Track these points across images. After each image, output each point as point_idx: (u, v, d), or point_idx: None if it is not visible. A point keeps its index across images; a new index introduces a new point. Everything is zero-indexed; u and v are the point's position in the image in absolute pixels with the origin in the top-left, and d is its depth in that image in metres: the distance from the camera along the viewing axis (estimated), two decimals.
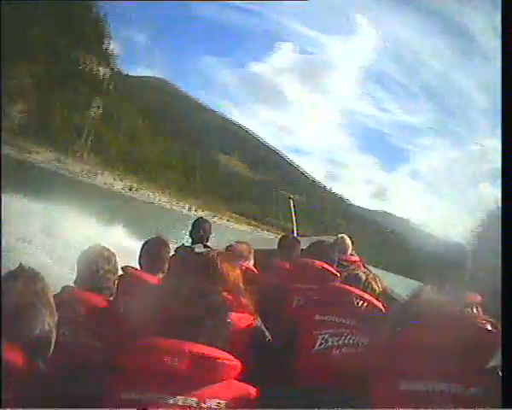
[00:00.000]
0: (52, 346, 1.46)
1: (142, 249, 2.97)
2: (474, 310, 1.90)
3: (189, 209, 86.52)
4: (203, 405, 1.28)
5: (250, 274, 3.01)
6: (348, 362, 1.93)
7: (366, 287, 2.17)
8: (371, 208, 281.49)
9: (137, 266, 2.94)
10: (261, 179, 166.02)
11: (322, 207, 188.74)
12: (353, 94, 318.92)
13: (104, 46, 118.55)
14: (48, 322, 1.44)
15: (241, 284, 2.21)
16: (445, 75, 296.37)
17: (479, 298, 1.40)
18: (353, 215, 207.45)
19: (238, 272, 2.25)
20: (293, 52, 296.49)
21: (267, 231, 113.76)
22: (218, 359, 1.30)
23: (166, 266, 2.92)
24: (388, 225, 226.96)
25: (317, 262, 2.93)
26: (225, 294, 1.99)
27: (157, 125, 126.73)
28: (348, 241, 4.05)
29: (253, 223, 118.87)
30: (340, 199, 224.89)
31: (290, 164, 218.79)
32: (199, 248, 3.59)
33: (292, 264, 3.20)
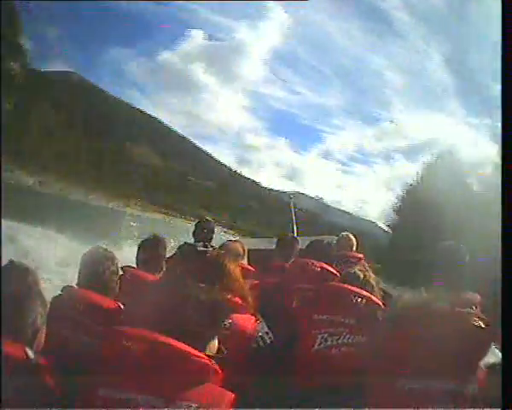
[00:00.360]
0: (43, 335, 1.53)
1: (139, 249, 2.93)
2: (473, 309, 2.01)
3: (99, 201, 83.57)
4: (172, 407, 1.21)
5: (246, 272, 2.88)
6: (347, 361, 1.93)
7: (364, 284, 2.14)
8: (283, 189, 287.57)
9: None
10: (172, 168, 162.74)
11: (234, 191, 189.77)
12: (263, 78, 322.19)
13: (15, 42, 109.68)
14: (40, 312, 1.49)
15: (245, 285, 2.21)
16: (358, 56, 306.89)
17: (478, 298, 2.12)
18: (265, 197, 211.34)
19: (240, 271, 2.24)
20: (202, 39, 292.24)
21: (181, 218, 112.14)
22: (196, 359, 1.22)
23: (164, 264, 2.91)
24: (301, 204, 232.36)
25: (317, 262, 2.85)
26: (230, 295, 1.99)
27: (67, 120, 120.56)
28: (352, 238, 4.01)
29: (166, 211, 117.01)
30: (253, 182, 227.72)
31: (201, 151, 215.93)
32: (201, 247, 3.54)
33: (291, 264, 3.15)
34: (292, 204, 6.38)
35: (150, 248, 3.14)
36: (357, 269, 2.41)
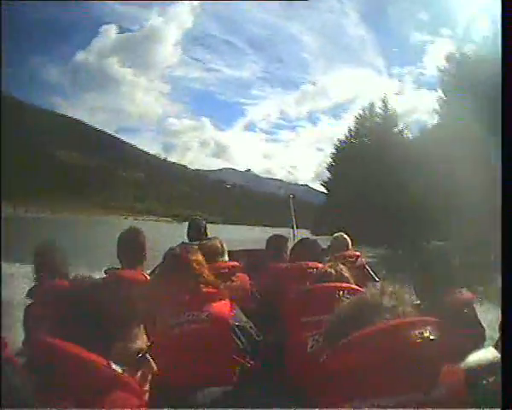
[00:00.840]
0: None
1: (118, 243, 3.11)
2: (466, 310, 2.25)
3: (27, 212, 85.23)
4: None
5: (233, 267, 3.19)
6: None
7: (338, 279, 2.27)
8: (211, 168, 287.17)
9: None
10: (98, 165, 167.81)
11: (162, 178, 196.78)
12: (178, 61, 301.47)
13: None
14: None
15: (209, 273, 2.37)
16: (271, 24, 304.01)
17: (470, 295, 2.38)
18: (193, 179, 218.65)
19: (204, 263, 2.41)
20: (115, 33, 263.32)
21: (118, 215, 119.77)
22: (95, 369, 1.13)
23: (145, 254, 3.17)
24: (230, 180, 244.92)
25: (311, 263, 3.10)
26: (202, 286, 2.21)
27: None
28: (346, 237, 4.25)
29: (97, 211, 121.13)
30: (180, 166, 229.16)
31: (126, 144, 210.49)
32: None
33: (282, 265, 3.40)
34: (291, 204, 6.27)
35: (129, 240, 3.12)
36: (327, 267, 2.37)
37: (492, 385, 1.17)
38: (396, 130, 45.65)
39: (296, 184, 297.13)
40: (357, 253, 4.17)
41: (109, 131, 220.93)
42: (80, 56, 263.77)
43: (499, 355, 1.34)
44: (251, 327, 2.32)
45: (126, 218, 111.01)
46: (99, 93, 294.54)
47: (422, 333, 1.07)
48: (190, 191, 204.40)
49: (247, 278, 3.35)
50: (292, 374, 2.17)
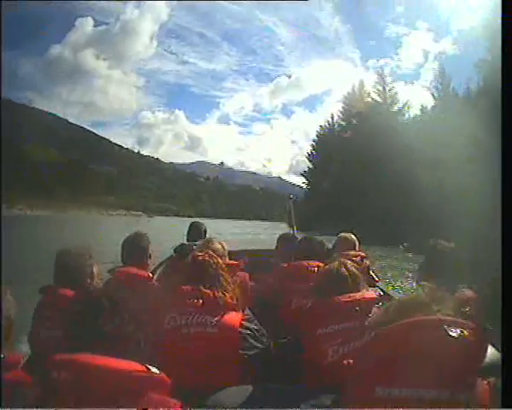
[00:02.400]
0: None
1: (123, 246, 3.17)
2: (467, 308, 1.90)
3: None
4: None
5: (234, 267, 3.14)
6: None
7: (354, 281, 2.24)
8: (185, 162, 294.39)
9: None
10: (69, 160, 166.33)
11: (135, 171, 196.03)
12: (152, 54, 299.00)
13: None
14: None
15: (228, 281, 2.33)
16: (244, 16, 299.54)
17: (472, 294, 2.31)
18: (166, 172, 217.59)
19: (224, 268, 2.38)
20: (90, 26, 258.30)
21: (84, 210, 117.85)
22: (132, 375, 1.18)
23: (150, 257, 3.20)
24: (204, 173, 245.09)
25: (313, 262, 3.09)
26: (211, 291, 2.18)
27: None
28: (353, 237, 4.15)
29: (68, 206, 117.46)
30: (153, 159, 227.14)
31: (98, 137, 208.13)
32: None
33: (289, 265, 3.33)
34: (291, 204, 6.07)
35: (133, 243, 3.16)
36: (336, 266, 2.30)
37: (493, 385, 1.22)
38: (395, 109, 44.57)
39: (269, 177, 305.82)
40: (363, 254, 4.04)
41: (83, 125, 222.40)
42: (54, 50, 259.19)
43: (499, 356, 1.39)
44: (263, 335, 2.30)
45: (100, 214, 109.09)
46: (72, 86, 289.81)
47: (462, 332, 1.12)
48: (163, 184, 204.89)
49: (247, 276, 3.40)
50: (312, 385, 2.12)
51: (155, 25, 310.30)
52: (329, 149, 50.17)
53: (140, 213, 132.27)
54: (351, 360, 1.83)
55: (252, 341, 2.20)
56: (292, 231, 4.95)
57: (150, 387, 1.23)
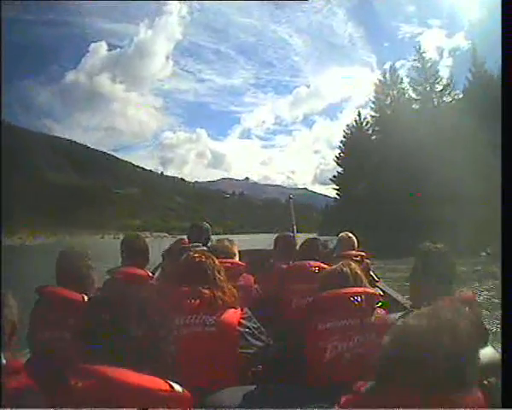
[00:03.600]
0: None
1: (121, 247, 3.21)
2: (466, 309, 1.90)
3: (21, 239, 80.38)
4: None
5: (237, 268, 3.21)
6: (362, 361, 2.00)
7: (356, 280, 2.27)
8: (210, 179, 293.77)
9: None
10: (91, 185, 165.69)
11: (160, 193, 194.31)
12: (168, 73, 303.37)
13: None
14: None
15: (225, 280, 2.32)
16: (259, 30, 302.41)
17: (471, 296, 2.38)
18: (191, 191, 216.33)
19: (221, 268, 2.35)
20: (104, 50, 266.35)
21: (114, 235, 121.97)
22: (151, 391, 1.12)
23: (148, 258, 3.24)
24: (229, 189, 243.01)
25: (313, 262, 3.09)
26: (209, 291, 2.17)
27: None
28: (352, 237, 4.25)
29: (95, 231, 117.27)
30: (177, 179, 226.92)
31: (120, 161, 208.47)
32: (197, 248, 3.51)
33: (290, 265, 3.40)
34: (291, 204, 6.25)
35: (132, 243, 3.22)
36: (342, 266, 2.34)
37: (493, 385, 1.19)
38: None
39: (295, 188, 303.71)
40: (363, 253, 4.18)
41: (104, 150, 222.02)
42: (70, 76, 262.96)
43: (499, 356, 1.37)
44: (261, 332, 2.30)
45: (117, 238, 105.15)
46: (90, 111, 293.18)
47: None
48: (188, 203, 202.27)
49: (252, 279, 3.37)
50: (311, 381, 2.12)
51: (170, 44, 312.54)
52: (360, 151, 44.58)
53: (165, 234, 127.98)
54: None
55: (250, 339, 2.21)
56: (292, 232, 5.54)
57: (173, 405, 1.18)
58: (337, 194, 53.94)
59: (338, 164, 51.54)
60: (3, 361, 1.35)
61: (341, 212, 47.94)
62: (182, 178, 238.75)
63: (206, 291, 2.18)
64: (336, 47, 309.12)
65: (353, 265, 2.38)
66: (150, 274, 3.16)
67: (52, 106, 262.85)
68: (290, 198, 6.80)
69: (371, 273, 4.19)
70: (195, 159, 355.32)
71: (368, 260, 4.19)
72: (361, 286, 2.27)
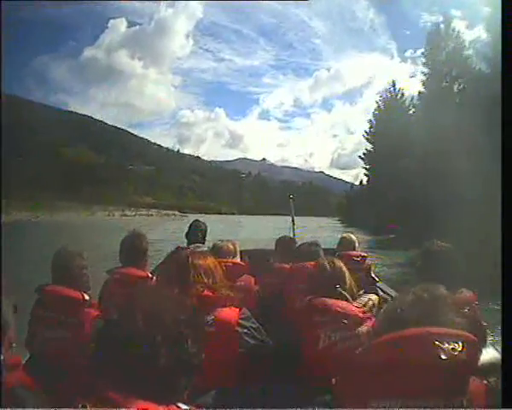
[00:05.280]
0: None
1: (121, 246, 3.19)
2: (467, 309, 2.25)
3: (36, 217, 76.27)
4: None
5: (238, 268, 3.27)
6: (353, 352, 1.79)
7: (335, 274, 2.43)
8: (226, 159, 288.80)
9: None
10: (107, 162, 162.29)
11: (176, 171, 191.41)
12: (187, 53, 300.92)
13: None
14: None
15: (222, 279, 2.32)
16: (279, 11, 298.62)
17: (473, 296, 2.43)
18: (207, 170, 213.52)
19: (216, 266, 2.35)
20: (124, 27, 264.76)
21: (124, 211, 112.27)
22: None
23: (147, 258, 3.24)
24: (245, 170, 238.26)
25: (313, 262, 3.04)
26: (206, 290, 2.17)
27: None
28: (353, 238, 4.37)
29: (109, 208, 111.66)
30: (194, 158, 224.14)
31: (137, 138, 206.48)
32: (195, 248, 3.66)
33: (291, 266, 3.44)
34: (292, 204, 6.22)
35: (131, 243, 3.18)
36: (323, 261, 2.51)
37: (493, 385, 1.19)
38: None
39: (312, 171, 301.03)
40: (364, 254, 4.28)
41: (120, 126, 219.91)
42: (88, 52, 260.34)
43: (499, 356, 1.38)
44: (260, 333, 2.30)
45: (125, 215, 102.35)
46: (108, 88, 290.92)
47: (454, 349, 1.08)
48: (204, 182, 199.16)
49: (252, 280, 3.38)
50: (306, 370, 2.19)
51: (190, 23, 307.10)
52: (396, 126, 39.85)
53: (174, 212, 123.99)
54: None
55: (249, 339, 2.22)
56: (292, 232, 5.77)
57: None
58: (365, 174, 50.26)
59: (368, 141, 47.52)
60: (2, 358, 1.32)
61: (370, 194, 44.24)
62: (198, 157, 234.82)
63: (205, 291, 2.16)
64: (357, 32, 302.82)
65: (337, 262, 2.51)
66: (149, 274, 3.17)
67: (68, 81, 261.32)
68: (290, 198, 6.78)
69: (372, 274, 4.25)
70: (213, 138, 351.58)
71: (369, 261, 4.33)
72: (345, 282, 2.42)
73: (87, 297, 2.50)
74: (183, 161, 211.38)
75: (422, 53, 40.35)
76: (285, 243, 4.01)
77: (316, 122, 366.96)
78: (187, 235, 4.21)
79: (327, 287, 2.38)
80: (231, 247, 3.43)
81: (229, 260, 3.25)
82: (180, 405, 1.07)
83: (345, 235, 4.57)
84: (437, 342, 1.08)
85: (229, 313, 2.20)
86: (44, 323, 2.38)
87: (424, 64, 39.25)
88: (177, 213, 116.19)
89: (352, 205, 59.14)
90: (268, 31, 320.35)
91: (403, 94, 45.30)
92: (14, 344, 1.51)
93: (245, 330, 2.20)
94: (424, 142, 31.80)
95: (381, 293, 3.79)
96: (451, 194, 25.06)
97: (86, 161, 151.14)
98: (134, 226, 3.55)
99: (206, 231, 4.29)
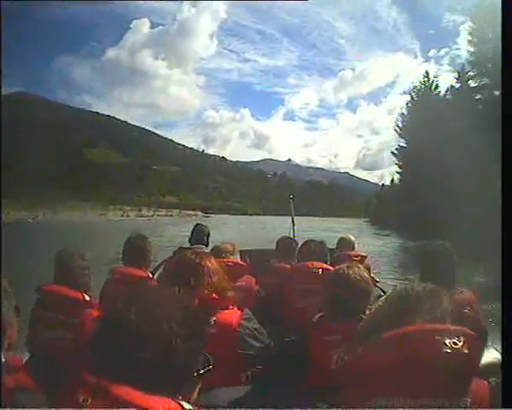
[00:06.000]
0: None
1: (124, 247, 3.24)
2: (467, 309, 2.27)
3: (57, 214, 75.84)
4: None
5: (239, 269, 3.23)
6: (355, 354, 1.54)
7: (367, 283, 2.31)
8: (252, 159, 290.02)
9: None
10: (131, 162, 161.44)
11: (201, 171, 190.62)
12: (211, 53, 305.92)
13: None
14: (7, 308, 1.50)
15: (225, 280, 2.29)
16: (303, 11, 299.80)
17: (472, 295, 2.41)
18: (232, 171, 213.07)
19: (220, 268, 2.32)
20: (147, 28, 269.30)
21: (147, 211, 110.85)
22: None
23: (151, 260, 3.32)
24: (271, 170, 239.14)
25: (316, 263, 3.14)
26: (208, 292, 2.15)
27: (20, 137, 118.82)
28: (352, 238, 4.42)
29: (125, 208, 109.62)
30: (219, 158, 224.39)
31: (162, 138, 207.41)
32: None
33: (292, 266, 3.47)
34: (292, 204, 6.25)
35: (135, 245, 3.24)
36: (348, 270, 2.34)
37: (493, 385, 1.21)
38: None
39: (337, 172, 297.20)
40: (364, 254, 4.27)
41: (145, 127, 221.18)
42: (111, 53, 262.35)
43: (499, 356, 1.39)
44: (262, 333, 2.30)
45: (153, 215, 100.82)
46: (132, 88, 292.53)
47: (456, 343, 1.08)
48: (229, 183, 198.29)
49: (253, 280, 3.39)
50: (316, 383, 2.09)
51: (214, 23, 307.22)
52: (431, 119, 36.44)
53: (196, 212, 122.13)
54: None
55: (251, 340, 2.22)
56: (292, 232, 5.74)
57: None
58: (397, 172, 46.97)
59: (400, 135, 44.21)
60: (3, 360, 1.33)
61: (403, 193, 41.13)
62: (223, 157, 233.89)
63: (206, 292, 2.13)
64: (380, 32, 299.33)
65: (358, 269, 2.34)
66: (150, 274, 3.23)
67: (92, 82, 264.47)
68: (290, 198, 6.70)
69: (372, 274, 4.04)
70: (238, 138, 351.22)
71: (369, 261, 4.30)
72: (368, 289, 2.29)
73: (87, 298, 2.50)
74: (208, 161, 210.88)
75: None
76: (286, 244, 4.00)
77: (341, 122, 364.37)
78: (190, 239, 4.31)
79: (344, 302, 2.21)
80: (230, 248, 3.43)
81: (230, 260, 3.19)
82: (183, 404, 1.05)
83: (343, 235, 4.66)
84: (438, 338, 1.07)
85: (231, 314, 2.19)
86: (45, 323, 2.39)
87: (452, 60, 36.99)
88: (199, 213, 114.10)
89: (382, 205, 55.89)
90: (291, 31, 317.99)
91: (437, 85, 42.00)
92: (14, 345, 1.51)
93: (246, 331, 2.19)
94: (463, 134, 28.82)
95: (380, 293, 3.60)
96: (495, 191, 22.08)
97: (110, 162, 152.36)
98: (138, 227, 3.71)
99: (208, 234, 4.37)
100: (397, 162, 46.19)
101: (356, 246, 4.41)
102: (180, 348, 1.03)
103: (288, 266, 3.54)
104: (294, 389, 2.06)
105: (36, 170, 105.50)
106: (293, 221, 6.05)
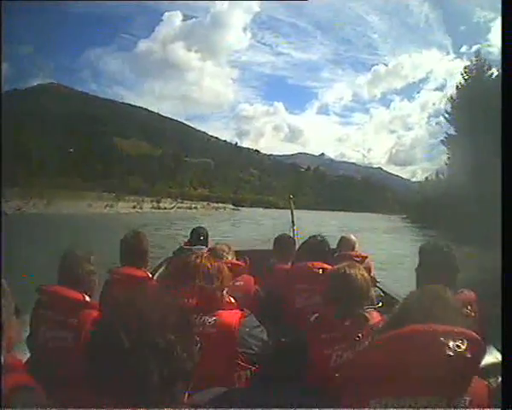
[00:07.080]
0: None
1: (121, 245, 3.21)
2: (468, 309, 2.27)
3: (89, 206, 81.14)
4: None
5: (238, 269, 3.19)
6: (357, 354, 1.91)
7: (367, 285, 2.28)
8: (285, 153, 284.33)
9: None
10: (166, 153, 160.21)
11: (234, 164, 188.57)
12: (245, 46, 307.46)
13: None
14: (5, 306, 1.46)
15: (225, 280, 2.31)
16: (336, 6, 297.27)
17: (473, 295, 2.43)
18: (265, 164, 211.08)
19: (222, 269, 2.32)
20: (179, 21, 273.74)
21: (181, 203, 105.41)
22: None
23: (147, 258, 3.26)
24: (304, 164, 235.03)
25: (316, 263, 3.10)
26: (208, 291, 2.18)
27: (54, 128, 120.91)
28: (353, 238, 4.43)
29: (162, 201, 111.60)
30: (252, 151, 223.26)
31: (195, 131, 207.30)
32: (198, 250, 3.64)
33: (291, 265, 3.49)
34: (292, 205, 6.42)
35: (132, 243, 3.20)
36: (348, 269, 2.31)
37: (493, 385, 1.21)
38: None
39: (370, 167, 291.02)
40: (364, 254, 4.19)
41: (178, 119, 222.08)
42: (143, 45, 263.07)
43: (499, 356, 1.38)
44: (262, 333, 2.30)
45: (179, 207, 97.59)
46: (165, 81, 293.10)
47: (459, 346, 1.08)
48: (263, 176, 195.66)
49: (252, 280, 3.37)
50: (316, 382, 2.12)
51: (247, 16, 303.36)
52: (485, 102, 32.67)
53: (225, 205, 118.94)
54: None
55: (251, 340, 2.23)
56: (292, 232, 5.67)
57: None
58: (446, 163, 43.09)
59: (448, 122, 40.28)
60: (3, 360, 1.32)
61: (450, 187, 37.38)
62: (257, 150, 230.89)
63: (206, 291, 2.16)
64: (412, 27, 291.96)
65: (359, 269, 2.33)
66: (149, 275, 3.22)
67: (124, 74, 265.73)
68: (290, 198, 7.01)
69: (372, 275, 4.03)
70: (272, 132, 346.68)
71: (370, 262, 4.22)
72: (368, 291, 2.28)
73: (88, 298, 2.47)
74: (242, 154, 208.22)
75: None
76: (283, 242, 3.99)
77: (374, 117, 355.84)
78: (189, 240, 4.40)
79: (343, 301, 2.22)
80: (226, 248, 3.45)
81: (229, 260, 3.22)
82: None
83: (344, 235, 4.63)
84: (442, 339, 1.07)
85: (231, 314, 2.20)
86: (45, 323, 2.37)
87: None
88: (230, 206, 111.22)
89: (424, 201, 51.46)
90: (324, 25, 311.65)
91: (490, 66, 37.98)
92: (14, 345, 1.52)
93: (246, 331, 2.19)
94: None
95: (380, 293, 3.74)
96: None
97: (142, 153, 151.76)
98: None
99: (207, 236, 4.44)
100: (446, 152, 42.10)
101: (357, 246, 4.45)
102: (175, 352, 1.00)
103: (288, 266, 3.55)
104: (294, 388, 2.02)
105: (66, 163, 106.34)
106: (293, 221, 6.11)
